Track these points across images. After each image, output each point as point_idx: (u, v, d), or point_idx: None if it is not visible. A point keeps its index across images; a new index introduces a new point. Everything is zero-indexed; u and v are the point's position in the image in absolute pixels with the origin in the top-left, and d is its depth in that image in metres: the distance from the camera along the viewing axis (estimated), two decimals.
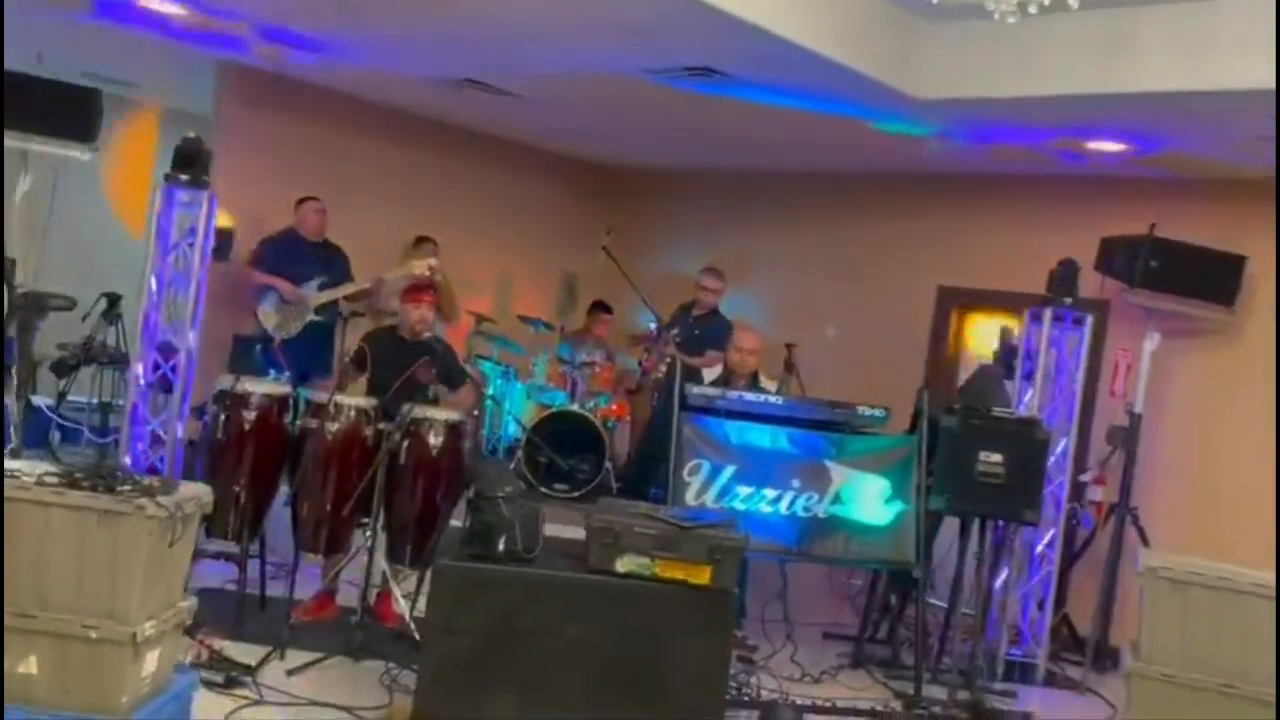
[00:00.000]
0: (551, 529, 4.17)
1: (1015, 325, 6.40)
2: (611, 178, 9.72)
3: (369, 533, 4.93)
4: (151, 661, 3.21)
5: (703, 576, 3.88)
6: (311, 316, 6.99)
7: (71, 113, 5.76)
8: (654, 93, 6.45)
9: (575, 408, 7.77)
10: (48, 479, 3.15)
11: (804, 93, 6.09)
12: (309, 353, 6.82)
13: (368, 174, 8.13)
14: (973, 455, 5.30)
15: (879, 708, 4.99)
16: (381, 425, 5.07)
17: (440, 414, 5.15)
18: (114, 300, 7.67)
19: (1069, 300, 6.08)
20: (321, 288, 7.02)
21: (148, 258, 5.85)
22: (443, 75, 6.94)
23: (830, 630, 6.13)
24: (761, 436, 5.27)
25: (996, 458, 5.30)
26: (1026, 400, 6.13)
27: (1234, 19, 4.86)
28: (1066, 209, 7.13)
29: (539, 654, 3.83)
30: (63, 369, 7.56)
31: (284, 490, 5.19)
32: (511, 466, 7.04)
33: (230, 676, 4.25)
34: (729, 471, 5.17)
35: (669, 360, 7.46)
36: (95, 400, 7.67)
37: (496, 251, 9.04)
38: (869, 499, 5.28)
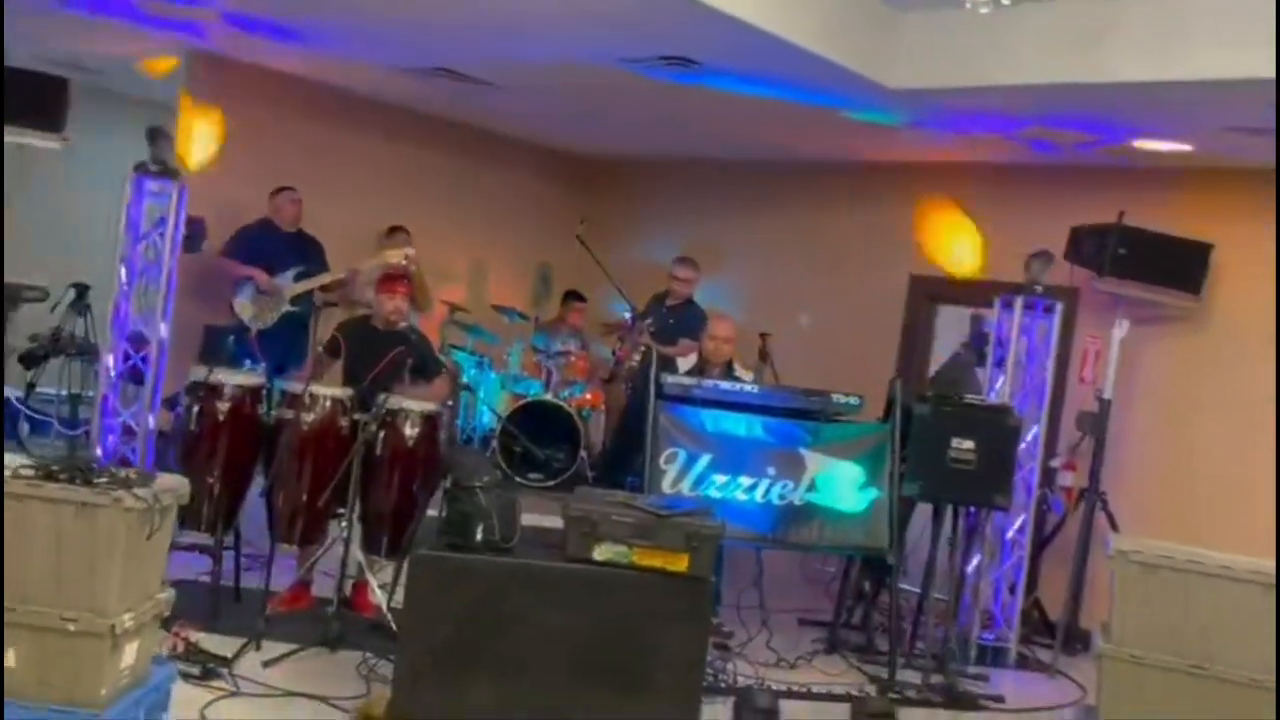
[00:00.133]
0: (527, 519, 4.17)
1: (987, 313, 6.47)
2: (586, 167, 9.71)
3: (344, 523, 4.92)
4: (130, 654, 3.20)
5: (680, 564, 3.90)
6: (287, 307, 6.96)
7: (41, 102, 5.70)
8: (629, 82, 6.45)
9: (550, 397, 7.78)
10: (24, 472, 3.13)
11: (778, 82, 6.11)
12: (285, 344, 6.80)
13: (338, 163, 8.08)
14: (945, 442, 5.36)
15: (854, 692, 5.04)
16: (357, 416, 5.06)
17: (416, 404, 5.14)
18: (82, 291, 7.59)
19: (1039, 288, 6.15)
20: (297, 278, 6.99)
21: (118, 247, 5.81)
22: (414, 64, 6.90)
23: (805, 616, 6.17)
24: (737, 425, 5.30)
25: (968, 444, 5.36)
26: (998, 387, 6.20)
27: (1206, 10, 4.92)
28: (1038, 198, 7.19)
29: (517, 642, 3.84)
30: (31, 360, 7.48)
31: (259, 481, 5.18)
32: (486, 456, 7.04)
33: (207, 668, 4.24)
34: (705, 460, 5.20)
35: (643, 349, 7.48)
36: (64, 392, 7.60)
37: (470, 241, 9.01)
38: (843, 486, 5.32)
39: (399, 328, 5.47)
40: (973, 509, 5.78)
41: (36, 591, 3.05)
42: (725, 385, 5.47)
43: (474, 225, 9.00)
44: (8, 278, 6.29)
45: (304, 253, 7.11)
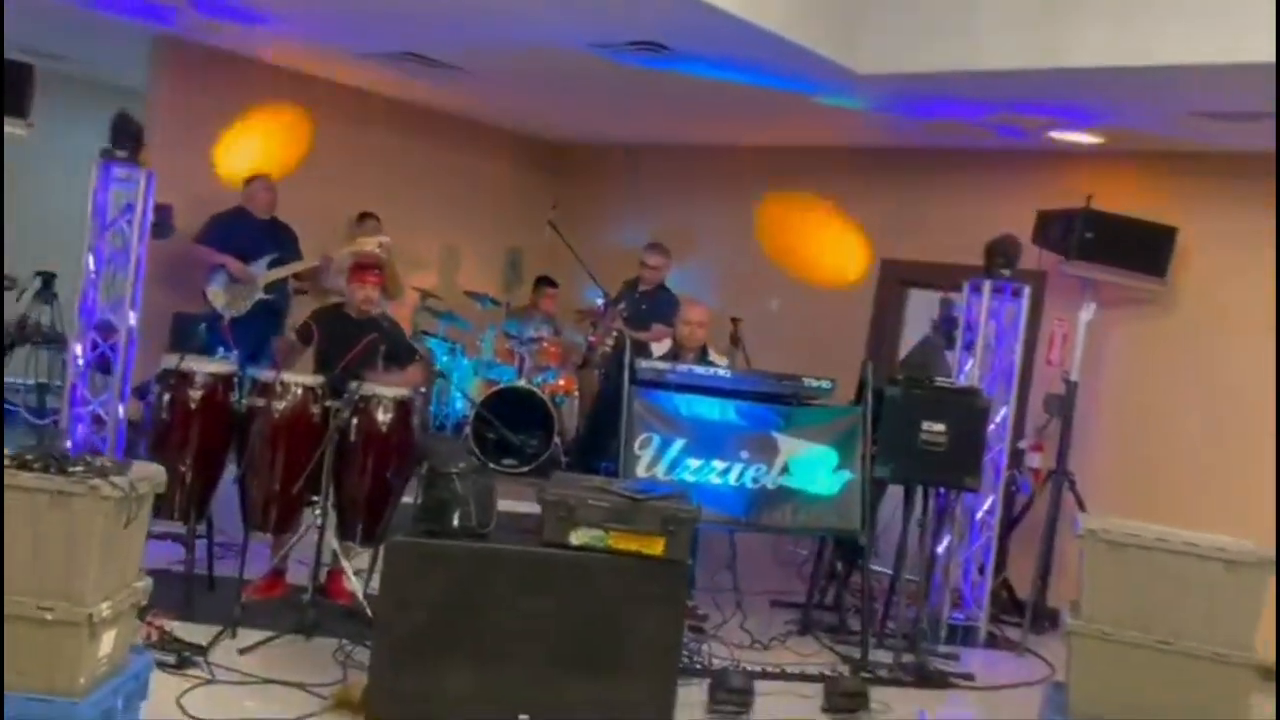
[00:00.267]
0: (502, 504, 4.19)
1: (956, 297, 6.53)
2: (556, 152, 9.69)
3: (318, 511, 4.92)
4: (108, 642, 3.19)
5: (656, 548, 3.93)
6: (260, 295, 6.92)
7: (5, 88, 5.63)
8: (599, 67, 6.44)
9: (523, 383, 7.78)
10: None
11: (748, 68, 6.12)
12: (257, 332, 6.75)
13: (308, 149, 8.04)
14: (915, 425, 5.41)
15: (827, 672, 5.10)
16: (329, 403, 5.05)
17: (389, 390, 5.13)
18: (49, 279, 7.51)
19: (1007, 272, 6.21)
20: (271, 265, 6.95)
21: (85, 235, 5.75)
22: (382, 49, 6.86)
23: (778, 598, 6.23)
24: (710, 409, 5.33)
25: (939, 427, 5.42)
26: (967, 370, 6.27)
27: None
28: (1005, 182, 7.26)
29: (494, 627, 3.86)
30: None
31: (231, 470, 5.16)
32: (460, 442, 7.04)
33: (182, 657, 4.23)
34: (679, 444, 5.23)
35: (615, 335, 7.50)
36: (31, 381, 7.52)
37: (441, 227, 8.99)
38: (816, 469, 5.36)
39: (372, 315, 5.46)
40: (943, 490, 5.84)
41: (13, 581, 3.04)
42: (699, 370, 5.49)
43: (444, 211, 8.98)
44: None
45: (278, 240, 7.07)
